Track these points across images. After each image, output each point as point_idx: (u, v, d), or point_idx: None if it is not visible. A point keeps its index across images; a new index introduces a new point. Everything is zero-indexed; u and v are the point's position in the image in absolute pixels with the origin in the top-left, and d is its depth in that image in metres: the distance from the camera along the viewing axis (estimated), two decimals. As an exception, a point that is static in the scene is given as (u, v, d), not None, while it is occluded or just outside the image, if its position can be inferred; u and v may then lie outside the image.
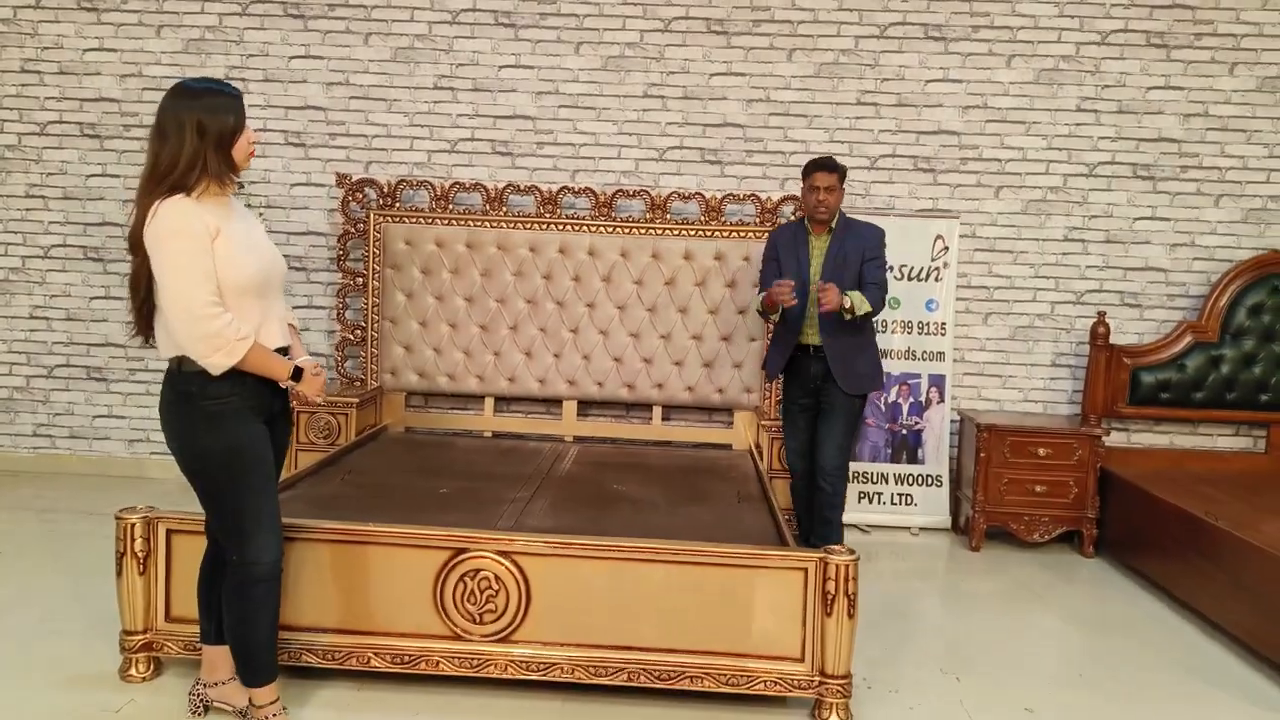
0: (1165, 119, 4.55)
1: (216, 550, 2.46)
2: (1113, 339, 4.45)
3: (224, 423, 2.26)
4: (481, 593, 2.60)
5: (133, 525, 2.60)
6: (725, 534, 3.05)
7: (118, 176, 4.78)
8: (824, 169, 3.58)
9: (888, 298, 3.86)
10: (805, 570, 2.57)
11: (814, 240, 3.66)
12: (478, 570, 2.60)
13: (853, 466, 4.27)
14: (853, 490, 4.38)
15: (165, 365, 2.32)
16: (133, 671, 2.65)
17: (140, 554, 2.61)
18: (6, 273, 4.85)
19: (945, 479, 4.57)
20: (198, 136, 2.21)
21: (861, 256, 3.59)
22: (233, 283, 2.23)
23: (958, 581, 3.93)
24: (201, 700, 2.52)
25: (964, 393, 4.69)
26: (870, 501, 4.58)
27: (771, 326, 3.86)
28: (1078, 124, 4.57)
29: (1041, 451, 4.20)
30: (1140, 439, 4.66)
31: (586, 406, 4.64)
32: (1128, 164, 4.58)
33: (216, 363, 2.21)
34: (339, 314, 4.63)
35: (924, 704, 2.76)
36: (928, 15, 4.54)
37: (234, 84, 4.65)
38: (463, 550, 2.61)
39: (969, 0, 4.52)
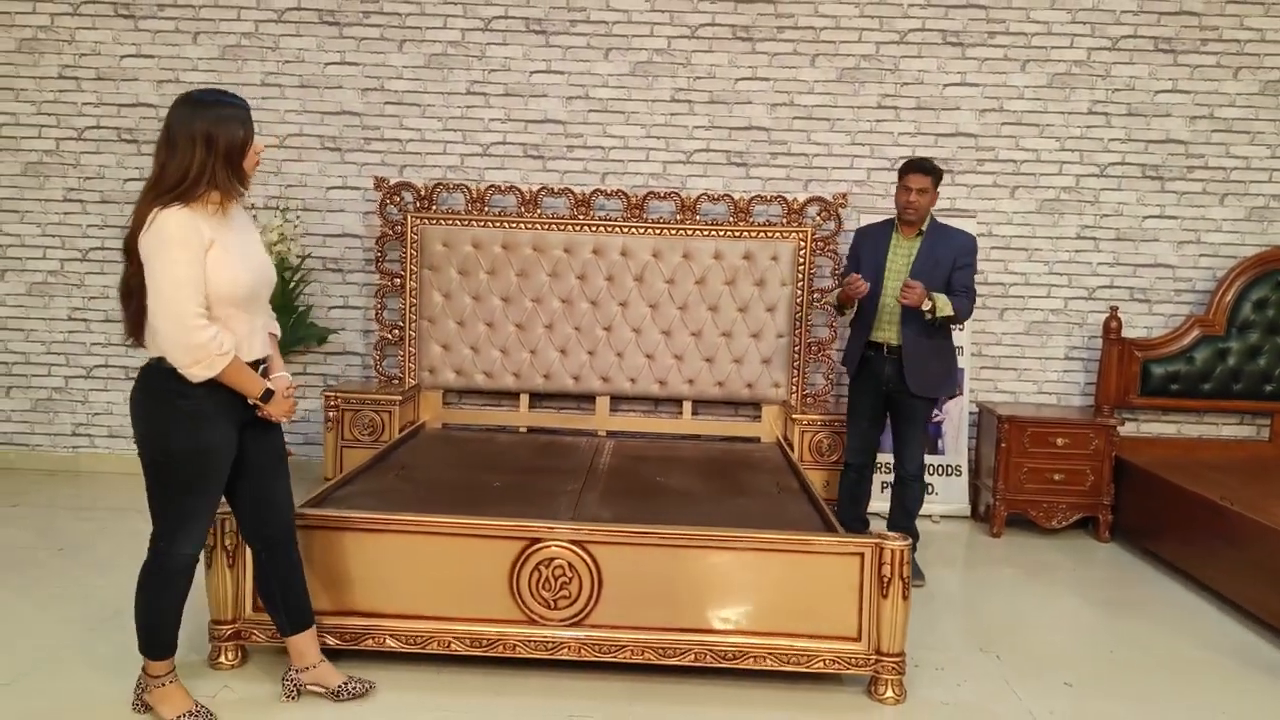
0: (1173, 121, 4.74)
1: (260, 549, 2.61)
2: (1123, 333, 4.63)
3: (196, 424, 2.33)
4: (556, 580, 2.75)
5: (222, 520, 2.72)
6: (773, 522, 3.21)
7: (155, 181, 4.87)
8: (918, 170, 3.61)
9: (975, 307, 3.80)
10: (862, 555, 2.73)
11: (900, 240, 3.72)
12: (552, 559, 2.75)
13: (880, 458, 4.49)
14: (876, 480, 4.55)
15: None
16: (222, 659, 2.78)
17: (229, 547, 2.73)
18: (45, 276, 4.94)
19: (965, 468, 4.75)
20: (206, 149, 2.26)
21: (953, 263, 3.63)
22: (222, 294, 2.30)
23: (982, 566, 4.11)
24: (295, 686, 2.65)
25: (981, 385, 4.86)
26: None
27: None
28: (1089, 126, 4.75)
29: (1060, 441, 4.38)
30: (1149, 428, 4.85)
31: (617, 402, 4.78)
32: (1137, 165, 4.77)
33: (196, 374, 2.29)
34: (377, 314, 4.76)
35: (970, 680, 2.93)
36: (946, 22, 4.70)
37: (270, 90, 4.79)
38: (537, 540, 2.76)
39: (985, 7, 4.69)
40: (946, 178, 4.76)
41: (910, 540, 2.77)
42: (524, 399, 4.74)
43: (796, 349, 4.63)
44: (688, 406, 4.73)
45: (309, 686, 2.65)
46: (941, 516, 4.72)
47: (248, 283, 2.35)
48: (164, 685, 2.50)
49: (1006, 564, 4.13)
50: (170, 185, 2.27)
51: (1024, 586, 3.85)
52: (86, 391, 5.00)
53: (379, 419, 4.37)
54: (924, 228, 3.71)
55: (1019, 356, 4.87)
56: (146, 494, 2.44)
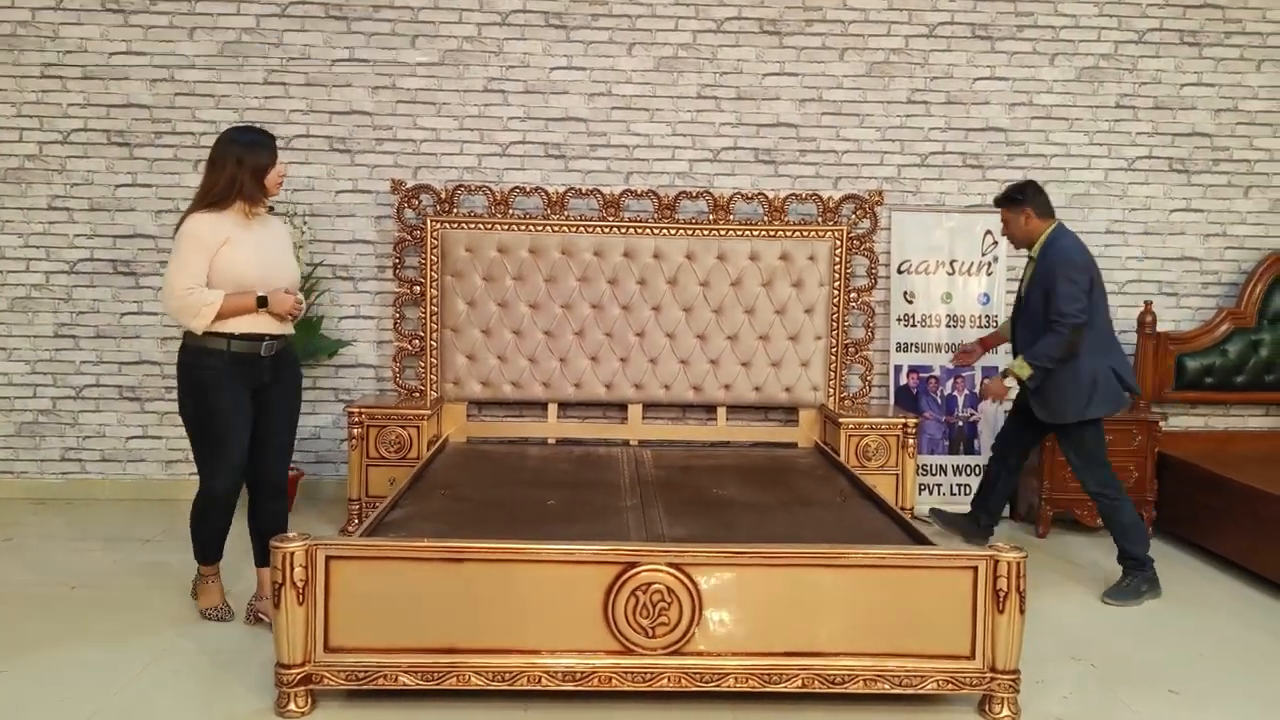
0: (1198, 115, 4.73)
1: (251, 491, 3.17)
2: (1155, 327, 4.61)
3: (205, 391, 2.96)
4: (654, 606, 2.57)
5: (291, 554, 2.50)
6: (851, 534, 3.10)
7: (149, 186, 4.56)
8: (996, 209, 3.82)
9: (1069, 328, 3.48)
10: (976, 569, 2.60)
11: (1030, 262, 3.74)
12: (650, 584, 2.57)
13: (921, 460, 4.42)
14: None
15: None
16: (291, 707, 2.54)
17: (299, 583, 2.50)
18: (29, 290, 4.59)
19: (1002, 468, 4.67)
20: (237, 165, 2.94)
21: (1050, 284, 3.49)
22: (228, 280, 2.92)
23: (1038, 569, 3.99)
24: (253, 612, 3.16)
25: (1015, 383, 4.79)
26: (930, 493, 4.67)
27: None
28: (1117, 120, 4.72)
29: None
30: (1177, 422, 4.83)
31: (647, 409, 4.61)
32: (1164, 158, 4.75)
33: (195, 326, 2.91)
34: (395, 324, 4.52)
35: (1075, 692, 2.83)
36: (974, 15, 4.63)
37: (274, 88, 4.53)
38: (634, 564, 2.58)
39: (1013, 0, 4.62)
40: (977, 173, 4.72)
41: (1024, 553, 2.63)
42: (552, 409, 4.54)
43: (834, 350, 4.51)
44: (721, 412, 4.58)
45: (260, 614, 3.11)
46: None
47: (253, 275, 2.95)
48: (207, 584, 3.21)
49: (1061, 566, 4.05)
50: (207, 191, 2.97)
51: (1085, 588, 3.77)
52: (76, 413, 4.66)
53: (406, 435, 4.13)
54: (1034, 252, 3.67)
55: (1051, 353, 4.81)
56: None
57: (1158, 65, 4.70)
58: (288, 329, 3.11)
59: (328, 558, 2.54)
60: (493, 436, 4.55)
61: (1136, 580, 3.59)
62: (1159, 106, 4.72)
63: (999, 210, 3.77)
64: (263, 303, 2.98)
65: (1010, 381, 3.74)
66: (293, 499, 4.50)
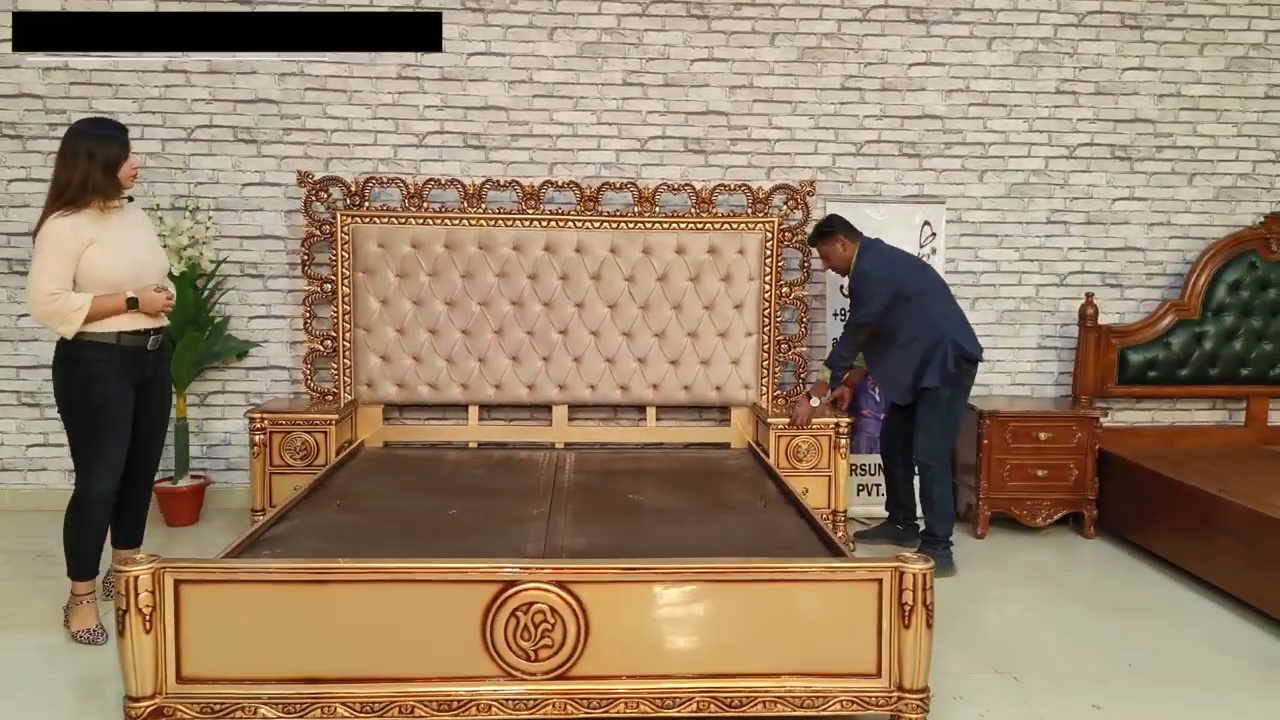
0: (1140, 100, 4.59)
1: (123, 490, 3.07)
2: (1098, 319, 4.46)
3: (91, 385, 2.87)
4: (536, 627, 2.38)
5: (136, 578, 2.29)
6: (765, 542, 2.93)
7: (44, 181, 4.26)
8: (811, 245, 4.03)
9: (854, 328, 3.88)
10: (880, 581, 2.43)
11: None
12: (531, 604, 2.38)
13: (853, 459, 4.30)
14: (852, 483, 4.33)
15: None
16: (141, 743, 2.34)
17: (145, 609, 2.30)
18: (-84, 291, 4.35)
19: (942, 467, 4.52)
20: (88, 160, 2.83)
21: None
22: (99, 280, 2.84)
23: (972, 572, 3.87)
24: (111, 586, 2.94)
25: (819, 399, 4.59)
26: (870, 493, 4.51)
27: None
28: (1057, 106, 4.57)
29: (1042, 436, 4.19)
30: (1122, 417, 4.70)
31: (575, 410, 4.43)
32: (1106, 145, 4.61)
33: (65, 331, 2.84)
34: (305, 324, 4.30)
35: (994, 709, 2.67)
36: (909, -3, 4.47)
37: (175, 76, 4.29)
38: (514, 583, 2.39)
39: (949, -18, 4.47)
40: (914, 162, 4.56)
41: (930, 563, 2.47)
42: (473, 412, 4.35)
43: (766, 347, 4.34)
44: (651, 413, 4.40)
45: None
46: (919, 517, 4.48)
47: (123, 275, 2.89)
48: (81, 604, 3.02)
49: (997, 568, 3.91)
50: (62, 189, 2.85)
51: (1022, 593, 3.63)
52: (-29, 421, 4.42)
53: (313, 441, 3.93)
54: (848, 275, 3.90)
55: (991, 348, 4.64)
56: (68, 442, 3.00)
57: (1098, 49, 4.55)
58: (164, 321, 3.09)
59: (177, 581, 2.33)
60: (411, 441, 4.35)
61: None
62: (1100, 92, 4.57)
63: (813, 247, 3.99)
64: (133, 303, 2.93)
65: (816, 402, 3.97)
66: (199, 508, 4.31)
